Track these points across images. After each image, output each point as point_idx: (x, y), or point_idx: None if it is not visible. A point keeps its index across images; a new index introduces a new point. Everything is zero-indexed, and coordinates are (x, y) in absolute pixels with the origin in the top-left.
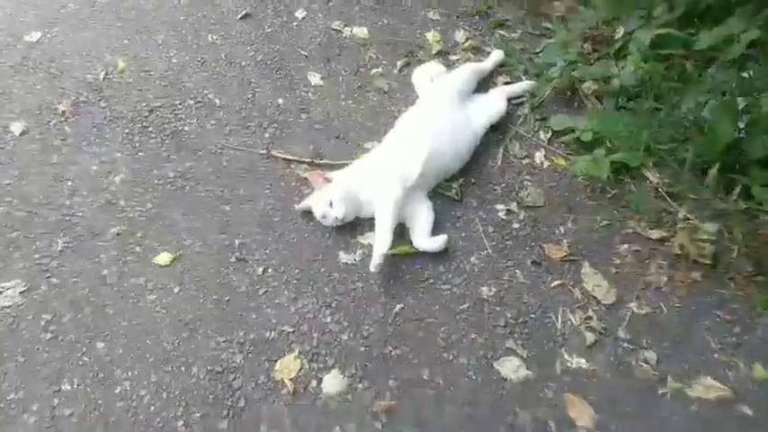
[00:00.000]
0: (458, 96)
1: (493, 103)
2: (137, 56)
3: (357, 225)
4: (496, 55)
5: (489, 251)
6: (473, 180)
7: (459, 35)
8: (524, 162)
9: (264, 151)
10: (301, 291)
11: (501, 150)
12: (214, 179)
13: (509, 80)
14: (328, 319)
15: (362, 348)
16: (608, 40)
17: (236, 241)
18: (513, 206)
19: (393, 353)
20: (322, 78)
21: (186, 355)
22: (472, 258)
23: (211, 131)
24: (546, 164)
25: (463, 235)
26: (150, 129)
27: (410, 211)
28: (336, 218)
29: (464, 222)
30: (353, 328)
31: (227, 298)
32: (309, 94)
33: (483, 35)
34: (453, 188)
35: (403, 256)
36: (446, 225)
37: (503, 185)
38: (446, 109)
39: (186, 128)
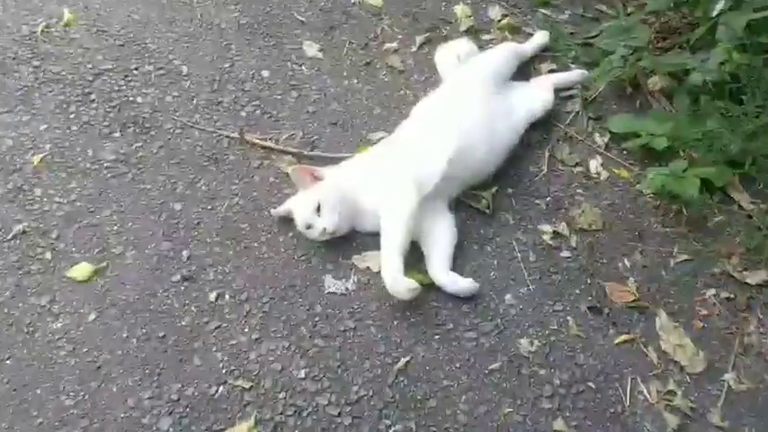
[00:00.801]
0: (493, 82)
1: (536, 94)
2: (88, 6)
3: (353, 241)
4: (541, 37)
5: (531, 288)
6: (509, 190)
7: (495, 11)
8: (576, 171)
9: (237, 135)
10: (268, 329)
11: (546, 154)
12: (166, 167)
13: (555, 68)
14: (302, 373)
15: (348, 421)
16: (684, 26)
17: (185, 253)
18: (563, 228)
19: (392, 429)
20: (321, 50)
21: (92, 417)
22: (507, 297)
23: (172, 106)
24: (604, 175)
25: (495, 263)
26: (93, 97)
27: (427, 227)
28: (325, 229)
29: (496, 246)
30: (337, 390)
31: (161, 333)
32: (303, 68)
33: (523, 13)
34: (483, 199)
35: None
36: (472, 248)
37: (548, 199)
38: (478, 96)
39: (140, 99)
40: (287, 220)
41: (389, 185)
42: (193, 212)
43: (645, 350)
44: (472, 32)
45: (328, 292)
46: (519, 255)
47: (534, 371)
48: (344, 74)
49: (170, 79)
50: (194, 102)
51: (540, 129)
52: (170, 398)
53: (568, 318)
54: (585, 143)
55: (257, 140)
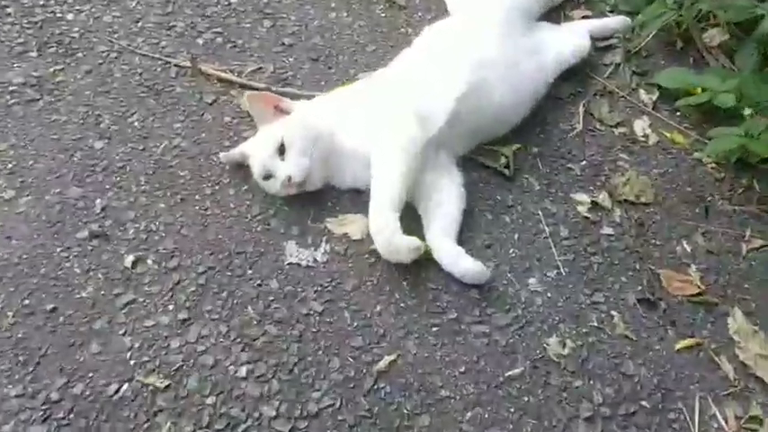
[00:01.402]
0: (516, 14)
1: (569, 37)
2: None
3: (327, 199)
4: None
5: (562, 271)
6: (535, 149)
7: None
8: (617, 132)
9: (188, 63)
10: (201, 309)
11: (580, 110)
12: (91, 96)
13: (590, 16)
14: (243, 371)
15: None
16: None
17: (99, 203)
18: (603, 198)
19: None
20: None
21: None
22: (531, 281)
23: (110, 27)
24: (653, 138)
25: (516, 238)
26: (10, 10)
27: (428, 186)
28: (290, 177)
29: (517, 216)
30: (291, 397)
31: (49, 306)
32: None
33: None
34: (503, 157)
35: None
36: (485, 217)
37: (583, 164)
38: (497, 27)
39: (70, 16)
40: (242, 169)
41: (382, 126)
42: (118, 153)
43: (716, 360)
44: None
45: (289, 263)
46: (547, 229)
47: (567, 381)
48: (332, 5)
49: None
50: (139, 24)
51: (573, 81)
52: (48, 397)
53: (612, 312)
54: (629, 100)
55: (214, 71)
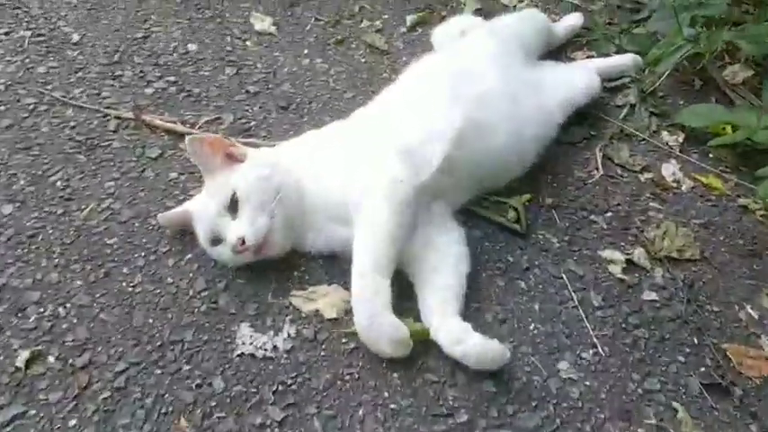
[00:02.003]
0: (517, 48)
1: (578, 76)
2: None
3: (293, 268)
4: (574, 18)
5: (601, 351)
6: (549, 200)
7: None
8: (643, 178)
9: (130, 114)
10: (115, 425)
11: (597, 154)
12: (6, 154)
13: (593, 56)
14: None
15: None
16: None
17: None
18: (640, 256)
19: None
20: (274, 24)
21: None
22: (562, 366)
23: (43, 77)
24: (686, 184)
25: (536, 309)
26: None
27: (421, 246)
28: (242, 240)
29: (536, 282)
30: None
31: None
32: (248, 43)
33: (545, 1)
34: (512, 209)
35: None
36: (495, 284)
37: (608, 215)
38: (497, 59)
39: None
40: (186, 234)
41: (365, 164)
42: (30, 219)
43: None
44: (481, 17)
45: (240, 354)
46: (575, 296)
47: None
48: (305, 52)
49: (50, 47)
50: (79, 74)
51: (585, 124)
52: None
53: (674, 404)
54: (652, 143)
55: (161, 122)
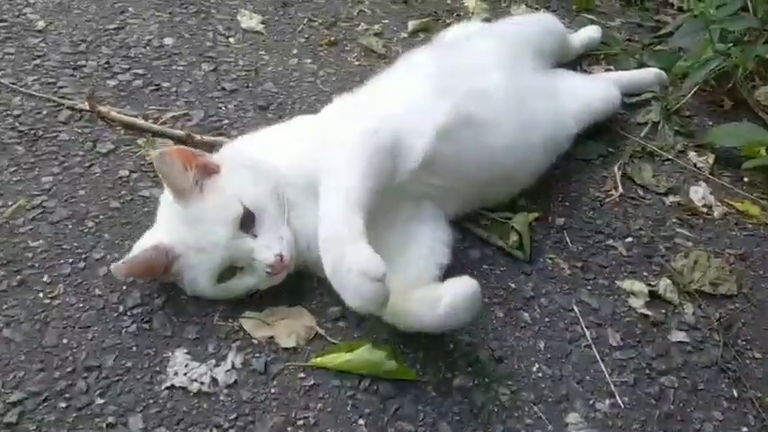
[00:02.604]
0: (529, 53)
1: (597, 86)
2: None
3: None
4: (591, 31)
5: (619, 401)
6: (560, 220)
7: (520, 9)
8: (669, 201)
9: (85, 104)
10: None
11: (617, 174)
12: None
13: (612, 71)
14: None
15: None
16: None
17: None
18: (666, 288)
19: None
20: (263, 23)
21: None
22: (572, 419)
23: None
24: (719, 210)
25: (541, 348)
26: None
27: (396, 240)
28: (282, 256)
29: (542, 314)
30: None
31: None
32: (231, 40)
33: (560, 15)
34: (514, 231)
35: (372, 378)
36: (494, 315)
37: (629, 240)
38: (504, 62)
39: None
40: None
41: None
42: None
43: None
44: None
45: (170, 387)
46: (587, 333)
47: None
48: (293, 52)
49: (10, 33)
50: (36, 62)
51: (602, 140)
52: None
53: None
54: (678, 163)
55: (118, 115)
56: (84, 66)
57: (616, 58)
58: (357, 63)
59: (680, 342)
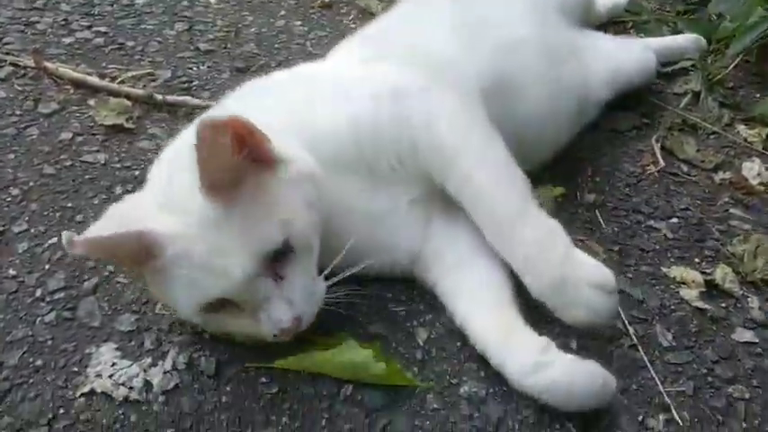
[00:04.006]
0: (554, 5)
1: (630, 49)
2: None
3: None
4: None
5: (676, 417)
6: (591, 196)
7: None
8: (718, 178)
9: (30, 58)
10: None
11: (656, 147)
12: None
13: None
14: None
15: None
16: None
17: None
18: (724, 278)
19: None
20: None
21: None
22: None
23: None
24: None
25: (574, 347)
26: None
27: (444, 235)
28: (299, 318)
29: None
30: None
31: None
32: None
33: None
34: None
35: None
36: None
37: (674, 221)
38: (533, 12)
39: None
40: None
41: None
42: None
43: None
44: None
45: (87, 393)
46: (632, 330)
47: None
48: (281, 13)
49: None
50: None
51: (635, 111)
52: None
53: None
54: (726, 137)
55: (66, 71)
56: (38, 22)
57: (646, 26)
58: (353, 26)
59: (747, 343)
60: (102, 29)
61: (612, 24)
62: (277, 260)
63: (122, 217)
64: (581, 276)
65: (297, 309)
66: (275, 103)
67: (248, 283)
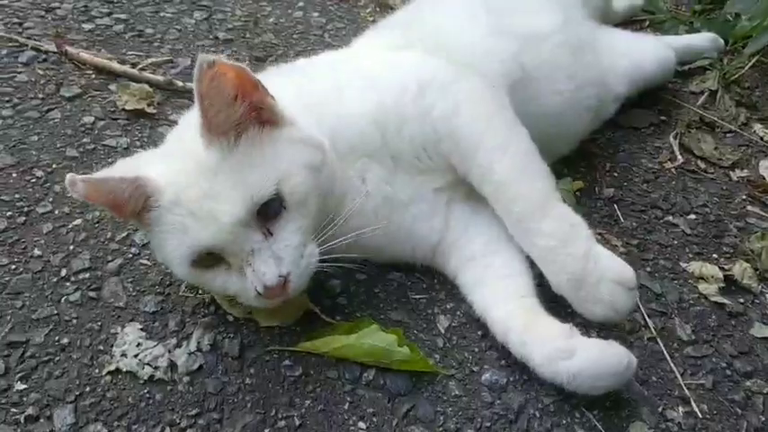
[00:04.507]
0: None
1: (649, 46)
2: None
3: None
4: None
5: (696, 410)
6: (609, 191)
7: None
8: (735, 176)
9: (52, 42)
10: None
11: (675, 144)
12: None
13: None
14: None
15: None
16: None
17: None
18: (742, 273)
19: None
20: None
21: None
22: (635, 429)
23: None
24: None
25: (593, 339)
26: None
27: (463, 227)
28: (284, 278)
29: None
30: None
31: None
32: None
33: None
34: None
35: (409, 371)
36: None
37: (692, 217)
38: (554, 8)
39: None
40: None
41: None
42: None
43: None
44: None
45: (113, 371)
46: (651, 323)
47: None
48: (299, 4)
49: None
50: (4, 1)
51: (653, 108)
52: None
53: None
54: (743, 136)
55: (89, 56)
56: (59, 8)
57: (663, 25)
58: (371, 19)
59: (765, 338)
60: (122, 16)
61: (629, 23)
62: (269, 217)
63: (127, 166)
64: (602, 272)
65: (284, 267)
66: (297, 85)
67: (236, 230)
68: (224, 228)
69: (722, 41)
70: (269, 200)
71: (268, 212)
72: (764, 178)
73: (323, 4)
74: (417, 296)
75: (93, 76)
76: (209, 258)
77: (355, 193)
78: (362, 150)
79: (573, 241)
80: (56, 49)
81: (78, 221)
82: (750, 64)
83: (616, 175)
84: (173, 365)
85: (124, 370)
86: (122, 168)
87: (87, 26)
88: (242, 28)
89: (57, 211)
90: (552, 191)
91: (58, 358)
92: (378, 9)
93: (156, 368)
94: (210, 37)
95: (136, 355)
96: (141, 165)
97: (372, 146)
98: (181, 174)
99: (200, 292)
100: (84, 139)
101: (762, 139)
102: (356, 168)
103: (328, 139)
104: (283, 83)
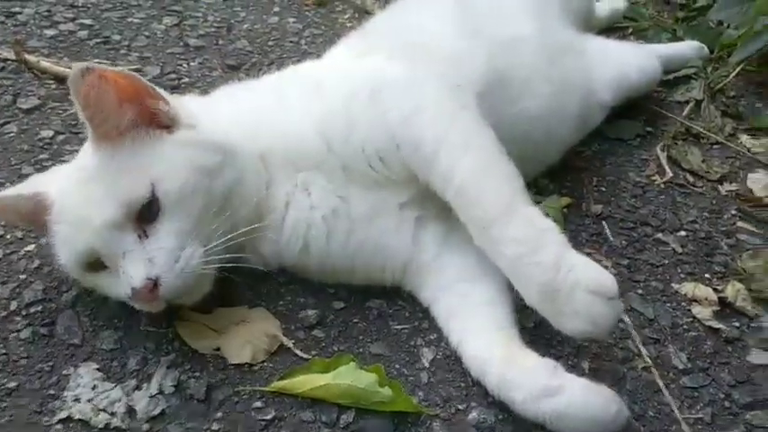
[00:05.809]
0: (558, 7)
1: (633, 54)
2: None
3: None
4: (616, 2)
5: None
6: (597, 207)
7: None
8: (724, 190)
9: (10, 50)
10: None
11: (662, 157)
12: None
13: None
14: None
15: None
16: None
17: None
18: (736, 296)
19: None
20: None
21: None
22: None
23: None
24: None
25: (585, 367)
26: None
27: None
28: (154, 281)
29: None
30: None
31: None
32: None
33: None
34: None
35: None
36: (523, 325)
37: (682, 234)
38: (534, 10)
39: None
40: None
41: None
42: None
43: None
44: None
45: (63, 420)
46: (644, 351)
47: None
48: (275, 9)
49: None
50: None
51: (637, 119)
52: None
53: None
54: (730, 147)
55: (49, 65)
56: (20, 13)
57: (646, 33)
58: (348, 25)
59: (763, 366)
60: (87, 21)
61: (612, 31)
62: (149, 219)
63: (35, 182)
64: (576, 280)
65: (154, 269)
66: (239, 98)
67: (107, 233)
68: (95, 231)
69: (706, 50)
70: (148, 202)
71: (149, 215)
72: (753, 192)
73: (299, 9)
74: (399, 326)
75: (54, 86)
76: (96, 263)
77: (299, 205)
78: (304, 162)
79: (542, 248)
80: (14, 57)
81: (31, 247)
82: (735, 72)
83: (603, 189)
84: (131, 411)
85: (76, 417)
86: (31, 184)
87: (50, 32)
88: (214, 34)
89: (8, 236)
90: (519, 193)
91: (4, 404)
92: (356, 15)
93: (112, 414)
94: (181, 44)
95: (90, 400)
96: (48, 180)
97: (317, 157)
98: (70, 183)
99: (163, 326)
100: (42, 155)
101: (749, 150)
102: (299, 180)
103: (263, 151)
104: (230, 94)
